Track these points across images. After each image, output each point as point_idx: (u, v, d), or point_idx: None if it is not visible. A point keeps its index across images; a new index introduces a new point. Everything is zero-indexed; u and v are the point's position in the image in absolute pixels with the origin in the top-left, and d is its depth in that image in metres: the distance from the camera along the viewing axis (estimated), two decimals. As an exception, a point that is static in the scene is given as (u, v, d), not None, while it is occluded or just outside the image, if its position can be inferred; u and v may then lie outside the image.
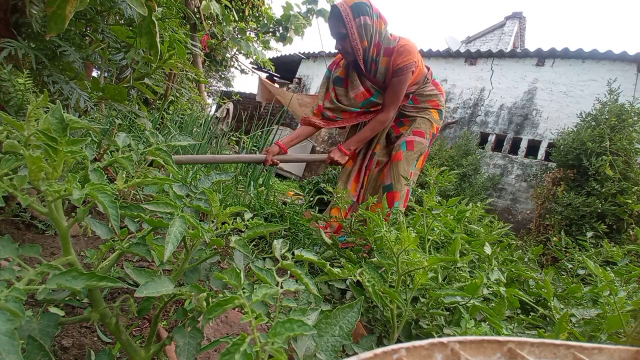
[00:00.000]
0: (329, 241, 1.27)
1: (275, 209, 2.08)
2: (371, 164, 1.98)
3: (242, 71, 9.02)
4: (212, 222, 0.64)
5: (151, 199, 1.06)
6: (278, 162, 1.79)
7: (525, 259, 1.56)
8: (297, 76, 10.30)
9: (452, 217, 1.14)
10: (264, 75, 9.81)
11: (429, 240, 1.00)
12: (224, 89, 13.18)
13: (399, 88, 1.76)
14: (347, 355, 0.62)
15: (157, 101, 3.41)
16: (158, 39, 1.41)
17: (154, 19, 1.35)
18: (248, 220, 0.66)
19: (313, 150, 8.81)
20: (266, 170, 2.96)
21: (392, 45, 1.73)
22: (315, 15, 6.96)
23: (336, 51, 1.89)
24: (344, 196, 1.46)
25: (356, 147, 1.91)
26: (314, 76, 9.82)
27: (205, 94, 7.44)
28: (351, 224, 1.34)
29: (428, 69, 1.94)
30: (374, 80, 1.83)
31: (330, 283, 1.04)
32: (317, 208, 2.63)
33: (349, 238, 1.35)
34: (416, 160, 1.92)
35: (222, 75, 12.02)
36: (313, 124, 1.93)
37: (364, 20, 1.66)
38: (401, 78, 1.73)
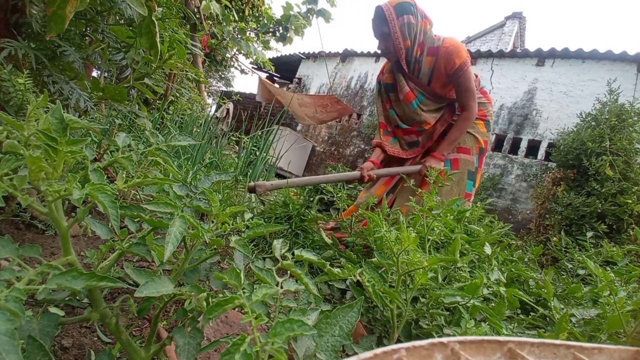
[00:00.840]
0: (329, 241, 1.27)
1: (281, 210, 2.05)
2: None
3: (242, 71, 9.02)
4: (212, 222, 0.64)
5: (151, 199, 1.06)
6: (374, 176, 1.80)
7: (525, 259, 1.56)
8: (297, 76, 10.31)
9: (452, 217, 1.14)
10: (264, 75, 9.80)
11: (429, 240, 1.00)
12: (224, 89, 13.18)
13: (467, 85, 1.72)
14: (347, 355, 0.62)
15: (157, 101, 3.41)
16: (158, 39, 1.41)
17: (154, 19, 1.35)
18: (248, 220, 0.66)
19: (313, 150, 8.81)
20: (266, 170, 2.95)
21: (436, 44, 1.70)
22: (315, 15, 6.96)
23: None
24: (343, 196, 1.46)
25: (447, 151, 1.84)
26: (314, 76, 9.82)
27: (205, 94, 7.44)
28: (351, 224, 1.34)
29: (476, 76, 1.88)
30: (417, 81, 1.80)
31: (330, 283, 1.04)
32: (317, 208, 2.63)
33: (349, 238, 1.35)
34: (471, 181, 1.85)
35: (222, 75, 12.02)
36: (383, 148, 1.92)
37: (408, 19, 1.65)
38: (464, 75, 1.69)
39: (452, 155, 1.84)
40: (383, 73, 1.95)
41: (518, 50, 6.38)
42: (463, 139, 1.84)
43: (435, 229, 1.03)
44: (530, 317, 0.93)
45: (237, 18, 6.15)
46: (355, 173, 1.77)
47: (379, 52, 1.85)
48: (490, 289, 0.88)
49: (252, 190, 1.50)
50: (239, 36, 6.30)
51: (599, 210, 3.29)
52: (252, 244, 1.73)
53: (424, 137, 1.89)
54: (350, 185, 2.35)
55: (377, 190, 1.92)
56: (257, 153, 3.00)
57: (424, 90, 1.80)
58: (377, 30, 1.72)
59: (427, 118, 1.82)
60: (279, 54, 10.40)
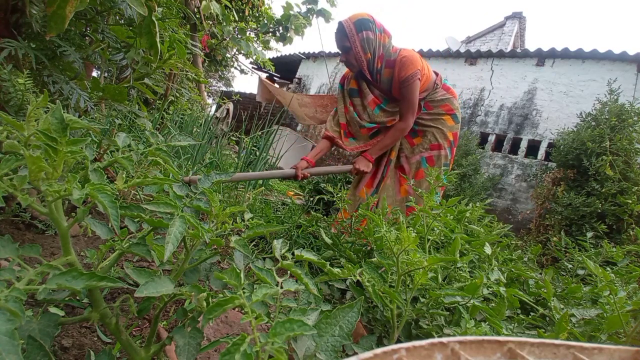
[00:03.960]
0: (329, 241, 1.27)
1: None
2: (388, 170, 2.02)
3: (242, 71, 9.02)
4: (212, 222, 0.64)
5: (151, 199, 1.06)
6: (308, 174, 1.86)
7: (525, 259, 1.56)
8: (297, 76, 10.30)
9: (452, 217, 1.14)
10: (264, 75, 9.80)
11: (429, 240, 1.00)
12: (224, 89, 13.18)
13: (410, 97, 1.82)
14: (347, 355, 0.62)
15: (157, 101, 3.41)
16: (158, 39, 1.41)
17: (154, 19, 1.35)
18: (248, 220, 0.66)
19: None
20: (266, 170, 2.95)
21: (392, 57, 1.82)
22: (315, 15, 6.96)
23: (337, 52, 1.96)
24: (343, 196, 1.46)
25: (378, 155, 1.96)
26: (314, 76, 9.82)
27: (205, 94, 7.43)
28: (352, 224, 1.34)
29: (437, 74, 1.99)
30: (380, 88, 1.92)
31: (330, 283, 1.04)
32: (317, 208, 2.63)
33: (349, 238, 1.35)
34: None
35: (222, 75, 12.02)
36: (335, 143, 2.00)
37: (367, 34, 1.76)
38: (409, 87, 1.79)
39: (427, 153, 1.97)
40: (347, 78, 2.05)
41: (518, 50, 6.38)
42: (434, 136, 1.96)
43: (435, 229, 1.03)
44: (530, 317, 0.93)
45: (237, 18, 6.15)
46: (290, 171, 1.84)
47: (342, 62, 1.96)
48: (490, 289, 0.88)
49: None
50: (239, 36, 6.30)
51: (599, 210, 3.29)
52: (252, 244, 1.73)
53: (385, 130, 2.00)
54: (348, 186, 2.37)
55: (361, 192, 2.02)
56: (257, 153, 3.00)
57: (388, 96, 1.93)
58: (340, 44, 1.84)
59: (388, 119, 1.95)
60: (279, 54, 10.40)
